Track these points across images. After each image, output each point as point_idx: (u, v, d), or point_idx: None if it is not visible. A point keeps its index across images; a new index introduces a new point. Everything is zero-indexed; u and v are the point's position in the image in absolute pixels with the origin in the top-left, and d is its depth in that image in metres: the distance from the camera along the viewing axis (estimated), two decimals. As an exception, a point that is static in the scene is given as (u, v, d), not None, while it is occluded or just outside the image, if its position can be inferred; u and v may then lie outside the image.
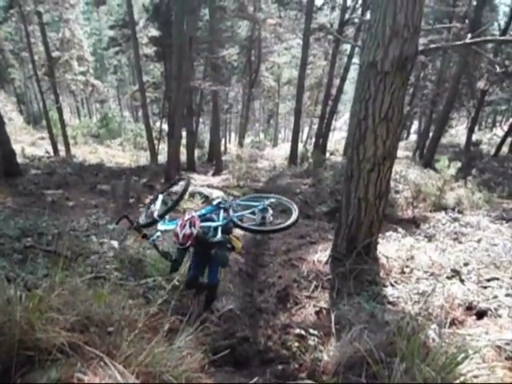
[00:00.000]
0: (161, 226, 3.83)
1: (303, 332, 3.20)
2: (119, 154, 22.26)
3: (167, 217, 4.00)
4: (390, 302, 3.86)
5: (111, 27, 20.68)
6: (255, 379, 2.28)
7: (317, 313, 3.78)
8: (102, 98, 35.88)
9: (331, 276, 4.57)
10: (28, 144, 19.33)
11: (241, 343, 3.35)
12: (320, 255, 5.34)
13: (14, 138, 12.34)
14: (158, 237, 3.70)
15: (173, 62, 13.30)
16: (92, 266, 4.04)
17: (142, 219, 4.04)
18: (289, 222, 3.86)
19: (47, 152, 17.33)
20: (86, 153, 20.01)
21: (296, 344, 3.09)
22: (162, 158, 17.14)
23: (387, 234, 6.05)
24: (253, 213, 4.18)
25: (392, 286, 4.32)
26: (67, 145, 18.79)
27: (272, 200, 4.23)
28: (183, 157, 19.04)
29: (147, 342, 2.16)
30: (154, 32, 18.26)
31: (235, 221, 3.98)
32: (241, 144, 23.98)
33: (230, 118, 38.36)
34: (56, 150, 18.02)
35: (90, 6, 33.24)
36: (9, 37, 29.60)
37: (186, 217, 3.49)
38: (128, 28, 17.13)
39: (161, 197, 4.32)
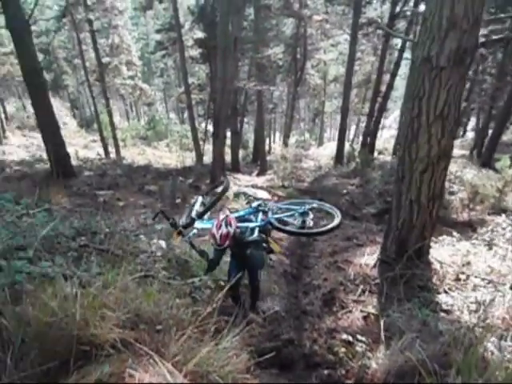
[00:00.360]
0: (197, 224, 3.81)
1: (350, 338, 3.10)
2: (166, 155, 22.91)
3: (206, 217, 3.96)
4: (443, 310, 3.65)
5: (158, 31, 21.33)
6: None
7: (364, 318, 3.64)
8: (150, 101, 37.05)
9: (379, 280, 4.39)
10: (81, 147, 20.35)
11: (286, 345, 3.30)
12: (367, 258, 5.17)
13: (68, 142, 13.03)
14: (193, 234, 3.72)
15: (217, 63, 13.46)
16: (141, 264, 4.16)
17: (183, 221, 3.99)
18: (329, 226, 3.77)
19: (99, 154, 18.17)
20: (134, 154, 20.76)
21: (343, 349, 2.99)
22: (208, 158, 17.42)
23: (441, 237, 5.73)
24: (292, 216, 4.11)
25: (446, 292, 4.09)
26: (117, 147, 19.60)
27: (314, 205, 4.17)
28: (228, 157, 19.26)
29: (194, 342, 2.17)
30: (199, 34, 18.57)
31: (273, 222, 3.90)
32: (285, 144, 23.81)
33: (275, 117, 38.34)
34: (107, 152, 18.87)
35: (138, 11, 34.47)
36: (62, 45, 31.37)
37: (221, 216, 3.44)
38: (174, 31, 17.57)
39: (200, 198, 4.33)
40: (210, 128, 16.75)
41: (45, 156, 11.79)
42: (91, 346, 2.04)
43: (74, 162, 12.63)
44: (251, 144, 26.57)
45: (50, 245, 3.63)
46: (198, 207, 4.09)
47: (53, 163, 11.05)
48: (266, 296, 4.36)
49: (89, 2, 18.38)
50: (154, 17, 34.96)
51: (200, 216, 3.86)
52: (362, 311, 3.79)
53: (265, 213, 4.14)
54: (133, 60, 30.88)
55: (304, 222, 4.00)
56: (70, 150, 12.63)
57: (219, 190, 4.76)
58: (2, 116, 20.59)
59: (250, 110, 26.22)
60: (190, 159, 18.67)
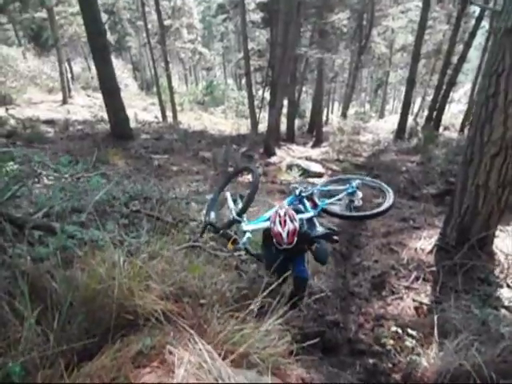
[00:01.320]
0: (247, 226, 3.42)
1: (400, 330, 2.94)
2: (221, 122, 22.99)
3: (245, 215, 3.58)
4: (505, 307, 3.35)
5: (220, -7, 20.93)
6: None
7: (416, 308, 3.44)
8: (208, 66, 37.13)
9: (435, 268, 4.12)
10: (140, 109, 20.86)
11: (330, 327, 3.23)
12: (424, 243, 4.87)
13: (128, 103, 13.38)
14: (248, 239, 3.31)
15: (279, 28, 13.01)
16: (190, 233, 4.20)
17: (213, 218, 3.73)
18: (383, 208, 3.52)
19: (156, 117, 18.57)
20: (191, 119, 20.98)
21: (391, 342, 2.85)
22: (263, 126, 17.23)
23: (508, 227, 5.26)
24: (340, 198, 3.94)
25: (509, 287, 3.76)
26: (174, 111, 19.87)
27: (359, 181, 4.00)
28: (283, 126, 18.94)
29: (237, 320, 2.14)
30: (262, -3, 18.03)
31: (326, 208, 3.71)
32: (344, 115, 22.90)
33: (335, 87, 36.93)
34: (164, 116, 19.22)
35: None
36: (126, 6, 31.62)
37: (281, 211, 3.07)
38: (237, -7, 17.16)
39: (228, 194, 3.97)
40: (267, 96, 16.48)
41: (106, 117, 12.23)
42: (135, 316, 2.07)
43: (132, 125, 12.99)
44: (308, 114, 25.88)
45: (103, 209, 3.74)
46: (232, 205, 3.75)
47: (112, 125, 11.47)
48: (313, 275, 4.25)
49: (153, -37, 18.35)
50: (217, -21, 34.38)
51: (241, 214, 3.49)
52: (413, 300, 3.59)
53: (309, 199, 3.92)
54: (194, 23, 30.81)
55: (352, 201, 3.90)
56: (130, 112, 12.97)
57: (243, 177, 4.50)
58: (69, 76, 21.52)
59: (310, 79, 25.39)
60: (245, 127, 18.58)
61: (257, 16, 19.45)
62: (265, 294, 2.17)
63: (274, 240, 3.05)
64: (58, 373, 1.74)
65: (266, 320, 2.22)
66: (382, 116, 36.84)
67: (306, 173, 10.82)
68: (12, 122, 11.34)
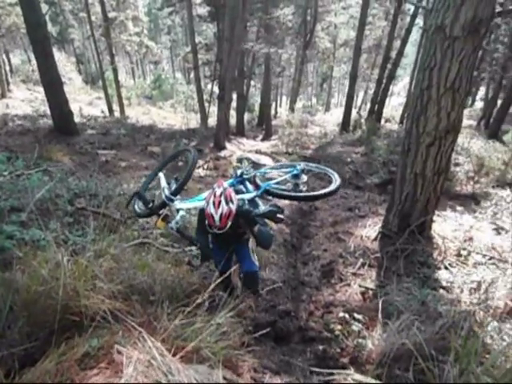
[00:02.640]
0: (181, 204, 3.09)
1: (347, 316, 3.07)
2: (171, 116, 22.55)
3: (179, 196, 3.27)
4: (443, 287, 3.61)
5: (165, -14, 20.39)
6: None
7: (362, 293, 3.61)
8: (156, 60, 36.18)
9: (380, 254, 4.34)
10: (85, 103, 19.98)
11: (282, 317, 3.29)
12: (369, 230, 5.11)
13: (72, 98, 12.75)
14: (182, 217, 3.01)
15: (225, 23, 12.93)
16: (139, 230, 4.10)
17: (141, 204, 3.26)
18: (329, 189, 3.46)
19: (103, 112, 17.86)
20: (139, 114, 20.39)
21: (339, 327, 2.97)
22: (212, 121, 17.10)
23: (444, 212, 5.63)
24: (284, 180, 3.82)
25: (446, 269, 4.05)
26: (121, 105, 19.21)
27: (304, 166, 3.92)
28: (233, 120, 18.93)
29: (187, 316, 2.13)
30: (208, -9, 17.79)
31: (270, 189, 3.46)
32: (292, 109, 23.31)
33: (282, 81, 37.43)
34: (111, 111, 18.52)
35: (145, -37, 33.19)
36: (68, -3, 30.17)
37: (217, 190, 2.71)
38: (182, -13, 16.82)
39: (161, 174, 3.55)
40: (216, 90, 16.36)
41: (48, 112, 11.56)
42: (81, 317, 2.02)
43: (77, 119, 12.38)
44: (257, 108, 26.05)
45: (46, 207, 3.56)
46: (165, 185, 3.34)
47: (55, 120, 10.86)
48: (265, 266, 4.32)
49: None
50: (161, -30, 33.42)
51: (176, 193, 3.16)
52: (360, 286, 3.75)
53: (251, 181, 3.69)
54: (139, 16, 29.87)
55: (297, 185, 3.80)
56: (74, 106, 12.36)
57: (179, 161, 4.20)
58: (7, 68, 20.10)
59: (257, 73, 25.58)
60: (194, 121, 18.34)
61: (203, 10, 19.19)
62: (213, 287, 2.16)
63: (206, 222, 2.74)
64: None
65: (218, 313, 2.23)
66: (328, 109, 37.90)
67: (256, 164, 10.90)
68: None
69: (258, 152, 13.45)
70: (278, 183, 3.75)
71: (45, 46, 10.03)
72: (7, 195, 3.36)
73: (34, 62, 18.50)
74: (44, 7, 12.70)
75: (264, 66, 19.67)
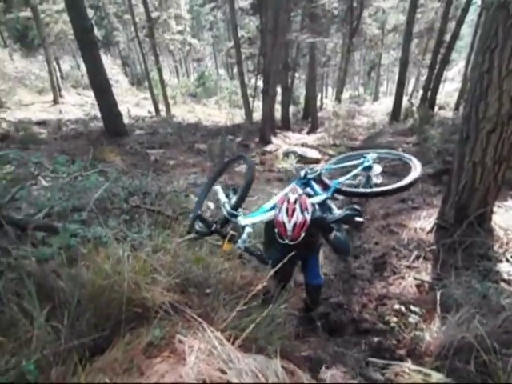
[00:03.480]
0: (246, 220, 2.73)
1: (403, 308, 2.99)
2: (215, 113, 22.88)
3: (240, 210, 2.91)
4: (504, 281, 3.41)
5: (208, -18, 20.65)
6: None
7: (417, 286, 3.50)
8: (199, 57, 36.77)
9: (435, 247, 4.17)
10: (133, 105, 20.75)
11: (335, 309, 3.27)
12: (423, 222, 4.91)
13: (120, 100, 13.32)
14: (248, 235, 2.64)
15: (268, 15, 12.90)
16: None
17: (201, 212, 3.01)
18: (409, 180, 2.91)
19: (149, 112, 18.50)
20: (184, 112, 20.88)
21: (394, 319, 2.91)
22: (257, 115, 17.17)
23: (505, 203, 5.29)
24: (355, 175, 3.33)
25: (508, 261, 3.81)
26: (167, 105, 19.76)
27: (375, 155, 3.35)
28: (278, 114, 18.89)
29: (243, 307, 2.17)
30: (250, -17, 17.84)
31: (341, 188, 3.09)
32: (338, 99, 22.82)
33: (328, 71, 36.66)
34: (157, 110, 19.13)
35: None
36: (112, 0, 31.10)
37: (291, 196, 2.47)
38: (224, -18, 16.96)
39: (219, 187, 3.21)
40: (260, 84, 16.39)
41: (98, 114, 12.18)
42: (143, 309, 2.11)
43: (125, 121, 12.94)
44: (302, 100, 25.78)
45: (104, 206, 3.75)
46: (224, 199, 3.00)
47: (106, 122, 11.42)
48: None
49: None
50: (204, -33, 33.79)
51: (236, 208, 2.81)
52: (415, 278, 3.64)
53: (317, 180, 3.30)
54: (182, 14, 30.31)
55: (369, 178, 3.27)
56: (122, 108, 12.91)
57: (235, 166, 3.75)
58: (58, 75, 21.33)
59: (302, 64, 25.20)
60: (239, 116, 18.52)
61: (246, 3, 19.23)
62: (267, 280, 2.18)
63: (276, 231, 2.52)
64: (70, 368, 1.78)
65: (272, 305, 2.26)
66: (376, 98, 36.72)
67: (302, 159, 10.83)
68: (4, 125, 11.29)
69: (304, 145, 13.34)
70: (348, 179, 3.34)
71: (93, 51, 10.56)
72: (68, 196, 3.56)
73: (82, 67, 19.50)
74: (90, 12, 13.31)
75: (309, 57, 19.40)
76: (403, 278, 3.73)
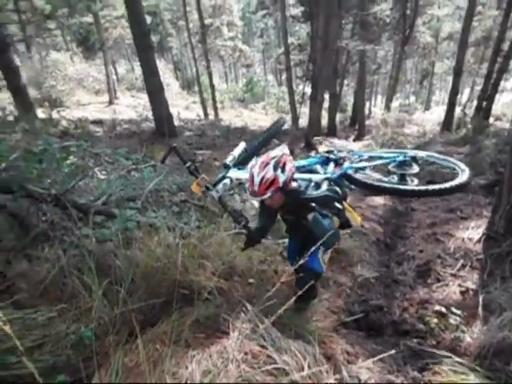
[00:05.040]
0: (232, 173, 2.67)
1: (444, 309, 2.93)
2: (262, 118, 23.12)
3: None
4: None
5: (260, -11, 21.05)
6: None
7: (462, 293, 3.41)
8: (248, 63, 37.27)
9: (483, 256, 4.02)
10: (182, 108, 21.39)
11: (375, 311, 3.26)
12: (471, 232, 4.75)
13: (171, 103, 13.83)
14: (224, 185, 2.58)
15: (320, 22, 12.94)
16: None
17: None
18: (451, 184, 2.57)
19: (198, 115, 19.06)
20: (232, 116, 21.29)
21: (435, 320, 2.86)
22: (303, 121, 17.19)
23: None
24: (379, 164, 2.94)
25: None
26: (216, 108, 20.25)
27: (420, 154, 2.97)
28: (324, 121, 18.78)
29: (284, 297, 2.26)
30: (302, -9, 17.98)
31: (351, 174, 2.69)
32: (387, 107, 22.33)
33: (378, 79, 35.98)
34: (206, 114, 19.68)
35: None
36: (168, 7, 32.24)
37: (273, 152, 2.30)
38: (276, -11, 17.23)
39: (243, 144, 3.01)
40: (308, 90, 16.42)
41: (150, 116, 12.78)
42: (190, 291, 2.27)
43: (176, 123, 13.44)
44: (350, 107, 25.47)
45: (155, 198, 3.99)
46: (237, 153, 2.86)
47: (157, 123, 11.96)
48: (357, 262, 4.30)
49: (195, -36, 18.77)
50: (258, -25, 34.40)
51: (238, 164, 2.74)
52: (459, 286, 3.54)
53: (338, 163, 2.91)
54: (234, 21, 31.04)
55: (403, 176, 2.86)
56: (173, 110, 13.40)
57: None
58: (114, 77, 22.51)
59: (352, 72, 24.95)
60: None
61: (297, 10, 19.39)
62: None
63: (248, 186, 2.31)
64: (123, 338, 1.95)
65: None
66: (427, 108, 35.51)
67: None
68: (64, 123, 12.10)
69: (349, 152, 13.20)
70: (365, 168, 2.91)
71: (149, 55, 11.12)
72: (124, 186, 3.83)
73: (137, 70, 20.50)
74: (147, 18, 14.00)
75: (359, 64, 19.21)
76: (447, 285, 3.64)
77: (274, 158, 2.24)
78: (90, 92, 20.97)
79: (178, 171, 6.66)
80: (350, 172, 2.70)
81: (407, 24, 22.23)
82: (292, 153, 12.35)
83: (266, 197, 2.20)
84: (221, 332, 1.84)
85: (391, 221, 6.34)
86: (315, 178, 2.50)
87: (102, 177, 4.51)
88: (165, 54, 37.01)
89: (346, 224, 2.55)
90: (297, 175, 2.42)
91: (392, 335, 2.93)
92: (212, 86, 20.09)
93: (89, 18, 20.23)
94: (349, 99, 30.23)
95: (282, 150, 2.35)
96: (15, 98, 11.23)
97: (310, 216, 2.29)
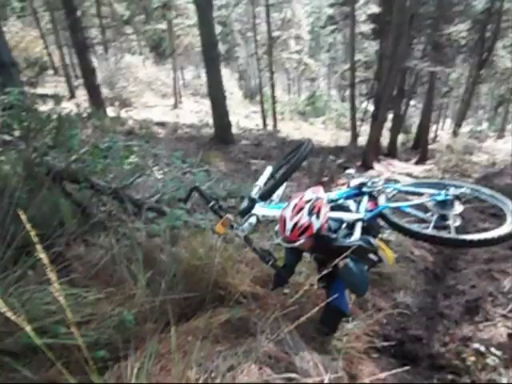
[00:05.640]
0: (259, 209, 2.46)
1: (483, 348, 2.78)
2: (321, 132, 23.00)
3: (275, 198, 2.69)
4: None
5: (331, 5, 21.09)
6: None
7: (509, 335, 3.20)
8: (313, 77, 37.39)
9: (540, 300, 3.75)
10: (243, 116, 21.89)
11: (412, 341, 3.15)
12: (531, 272, 4.44)
13: (232, 111, 14.29)
14: (251, 224, 2.35)
15: (389, 40, 12.75)
16: (274, 234, 4.45)
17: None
18: (498, 232, 2.12)
19: (257, 125, 19.45)
20: (290, 128, 21.40)
21: (472, 358, 2.71)
22: (363, 140, 16.91)
23: None
24: (422, 206, 2.54)
25: None
26: (275, 120, 20.53)
27: (463, 190, 2.42)
28: (385, 141, 18.34)
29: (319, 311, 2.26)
30: (373, 9, 17.82)
31: (387, 215, 2.41)
32: (455, 133, 21.32)
33: (448, 102, 34.48)
34: (265, 124, 20.01)
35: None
36: (238, 18, 33.41)
37: (307, 195, 2.19)
38: (347, 5, 17.20)
39: (270, 168, 2.86)
40: (371, 108, 16.16)
41: (210, 122, 13.29)
42: (225, 292, 2.38)
43: (234, 130, 13.86)
44: (415, 129, 24.61)
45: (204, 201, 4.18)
46: (262, 182, 2.70)
47: (216, 129, 12.42)
48: (400, 289, 4.18)
49: (268, -23, 19.32)
50: (330, -10, 34.48)
51: (264, 196, 2.53)
52: (508, 327, 3.32)
53: (373, 197, 2.62)
54: (302, 34, 31.24)
55: (444, 217, 2.40)
56: (233, 118, 13.84)
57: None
58: (181, 83, 23.60)
59: (419, 92, 24.15)
60: (344, 139, 18.40)
61: (367, 28, 19.22)
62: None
63: (279, 229, 2.21)
64: (160, 327, 2.09)
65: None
66: (501, 136, 33.30)
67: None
68: (130, 122, 12.94)
69: (408, 175, 12.78)
70: (406, 208, 2.58)
71: (215, 64, 11.64)
72: (177, 187, 4.04)
73: (203, 77, 21.31)
74: (217, 28, 14.60)
75: (428, 86, 18.57)
76: (495, 325, 3.42)
77: (308, 201, 2.13)
78: (157, 95, 22.18)
79: (230, 178, 6.88)
80: (386, 212, 2.43)
81: (485, 47, 21.18)
82: (347, 169, 12.20)
83: (298, 244, 2.10)
84: (249, 334, 1.92)
85: (444, 251, 6.06)
86: (347, 217, 2.33)
87: (159, 176, 4.78)
88: (231, 63, 38.21)
89: (376, 262, 2.33)
90: (330, 214, 2.27)
91: (426, 368, 2.83)
92: (273, 97, 20.41)
93: (163, 25, 21.46)
94: (414, 121, 29.21)
95: (315, 193, 2.25)
96: (90, 96, 12.19)
97: (341, 263, 2.04)
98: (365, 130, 18.87)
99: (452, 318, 3.83)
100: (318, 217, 2.08)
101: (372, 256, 2.15)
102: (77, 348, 1.85)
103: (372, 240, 2.16)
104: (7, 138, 3.42)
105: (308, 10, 40.63)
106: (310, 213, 2.07)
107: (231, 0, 28.64)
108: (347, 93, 27.54)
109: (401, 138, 20.78)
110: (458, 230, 2.30)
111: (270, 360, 1.61)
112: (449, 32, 17.20)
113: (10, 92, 3.27)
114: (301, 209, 2.08)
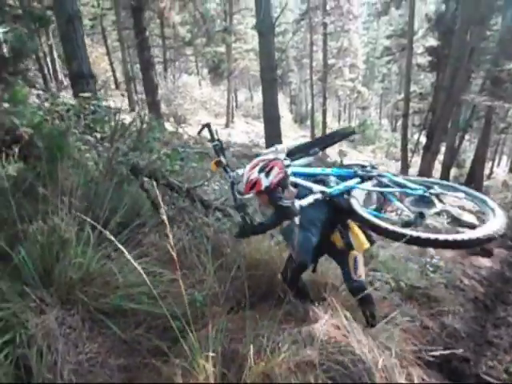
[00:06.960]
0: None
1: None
2: (370, 161, 22.80)
3: (301, 160, 2.67)
4: None
5: (388, 37, 21.41)
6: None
7: None
8: (365, 105, 37.27)
9: None
10: (292, 139, 22.25)
11: (459, 360, 3.13)
12: None
13: (283, 134, 14.62)
14: (237, 174, 2.54)
15: (446, 73, 12.71)
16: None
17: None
18: (476, 234, 1.92)
19: (305, 149, 19.71)
20: (336, 155, 21.53)
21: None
22: (413, 171, 16.62)
23: None
24: (400, 199, 2.45)
25: None
26: (323, 145, 20.75)
27: (441, 190, 2.36)
28: (437, 174, 17.93)
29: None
30: (431, 42, 17.80)
31: (353, 199, 2.32)
32: None
33: (505, 138, 33.12)
34: (314, 149, 20.25)
35: (372, 16, 35.21)
36: (294, 45, 34.17)
37: (270, 155, 2.41)
38: (405, 37, 17.35)
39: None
40: (423, 140, 15.96)
41: (261, 142, 13.67)
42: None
43: (283, 153, 14.20)
44: (468, 164, 23.80)
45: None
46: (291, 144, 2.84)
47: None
48: (448, 313, 4.16)
49: (327, 7, 19.99)
50: (387, 22, 34.69)
51: (291, 153, 2.63)
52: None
53: (363, 181, 2.56)
54: (357, 63, 31.50)
55: (422, 215, 2.22)
56: (283, 141, 14.16)
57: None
58: (234, 104, 24.48)
59: (475, 127, 23.47)
60: (393, 169, 18.20)
61: (424, 60, 19.18)
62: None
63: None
64: (224, 312, 2.32)
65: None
66: None
67: (455, 221, 10.09)
68: (185, 137, 13.65)
69: (461, 208, 12.40)
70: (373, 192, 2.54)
71: (272, 87, 12.08)
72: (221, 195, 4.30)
73: (255, 99, 21.96)
74: (276, 54, 15.19)
75: (484, 120, 18.07)
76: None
77: (263, 160, 2.31)
78: (210, 114, 23.09)
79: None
80: (355, 195, 2.37)
81: (548, 84, 20.36)
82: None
83: (247, 196, 2.33)
84: (308, 322, 2.09)
85: (496, 284, 5.90)
86: (315, 188, 2.36)
87: (216, 187, 5.11)
88: (284, 87, 39.09)
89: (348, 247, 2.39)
90: (301, 181, 2.42)
91: (473, 385, 2.84)
92: (324, 123, 20.69)
93: (222, 48, 22.57)
94: (468, 155, 28.26)
95: (276, 154, 2.44)
96: (150, 110, 13.01)
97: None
98: (415, 161, 18.60)
99: (501, 346, 3.77)
100: (267, 175, 2.22)
101: (295, 219, 2.14)
102: (157, 317, 2.15)
103: (295, 209, 2.15)
104: (90, 138, 3.89)
105: (365, 40, 41.00)
106: (262, 170, 2.23)
107: (288, 27, 29.60)
108: (399, 123, 27.31)
109: (453, 171, 20.17)
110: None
111: (331, 340, 1.78)
112: (509, 68, 16.77)
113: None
114: (255, 165, 2.28)
